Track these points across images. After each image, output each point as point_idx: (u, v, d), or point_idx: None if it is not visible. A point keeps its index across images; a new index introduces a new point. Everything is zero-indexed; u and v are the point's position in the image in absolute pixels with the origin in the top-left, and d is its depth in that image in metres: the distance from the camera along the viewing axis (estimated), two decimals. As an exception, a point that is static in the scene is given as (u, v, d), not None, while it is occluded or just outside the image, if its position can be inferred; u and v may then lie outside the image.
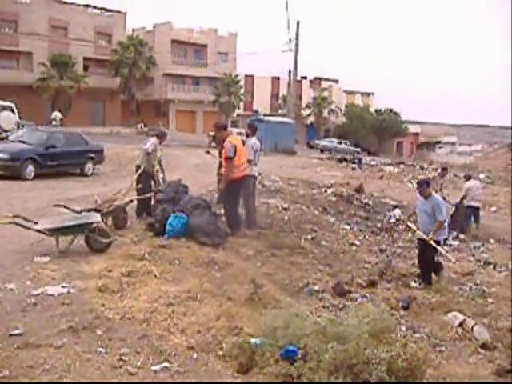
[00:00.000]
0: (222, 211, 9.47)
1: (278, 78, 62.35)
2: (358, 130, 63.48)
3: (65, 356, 4.23)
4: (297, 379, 4.09)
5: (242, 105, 57.28)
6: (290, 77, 41.78)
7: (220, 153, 10.89)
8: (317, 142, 51.90)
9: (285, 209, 12.35)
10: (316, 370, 4.06)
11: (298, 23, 37.30)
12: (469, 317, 6.88)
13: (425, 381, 4.36)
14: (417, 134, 79.37)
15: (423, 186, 8.86)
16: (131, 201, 9.03)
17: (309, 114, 63.39)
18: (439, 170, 16.68)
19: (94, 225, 7.33)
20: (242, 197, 9.62)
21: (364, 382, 4.04)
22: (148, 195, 9.52)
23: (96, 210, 8.02)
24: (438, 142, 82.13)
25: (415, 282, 8.49)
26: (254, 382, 4.17)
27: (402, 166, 35.42)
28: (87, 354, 4.30)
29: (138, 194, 9.42)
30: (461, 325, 6.63)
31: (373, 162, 36.47)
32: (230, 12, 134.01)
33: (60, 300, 5.41)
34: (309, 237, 10.15)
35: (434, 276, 8.58)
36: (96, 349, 4.41)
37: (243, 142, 9.96)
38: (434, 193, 9.00)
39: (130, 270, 6.46)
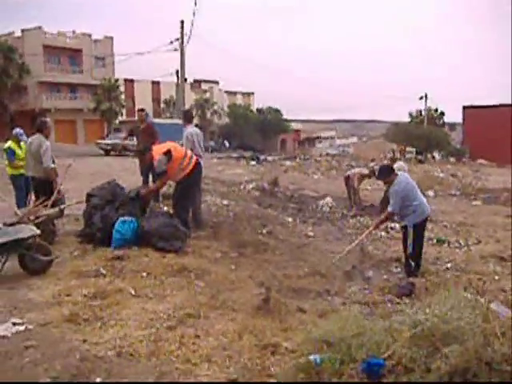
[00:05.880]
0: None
1: (158, 83, 60.35)
2: (242, 129, 63.50)
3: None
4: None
5: (124, 111, 54.57)
6: (178, 78, 40.14)
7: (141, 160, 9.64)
8: None
9: (226, 205, 11.19)
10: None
11: (182, 23, 35.61)
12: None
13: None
14: (298, 131, 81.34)
15: (383, 173, 7.33)
16: (62, 209, 7.37)
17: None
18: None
19: (31, 240, 5.78)
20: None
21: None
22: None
23: (20, 223, 6.36)
24: (318, 138, 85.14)
25: (396, 267, 7.77)
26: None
27: (297, 159, 35.63)
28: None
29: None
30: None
31: (269, 158, 36.42)
32: (104, 15, 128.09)
33: (20, 342, 3.94)
34: (264, 231, 9.13)
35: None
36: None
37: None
38: (398, 177, 7.14)
39: (94, 291, 5.04)
